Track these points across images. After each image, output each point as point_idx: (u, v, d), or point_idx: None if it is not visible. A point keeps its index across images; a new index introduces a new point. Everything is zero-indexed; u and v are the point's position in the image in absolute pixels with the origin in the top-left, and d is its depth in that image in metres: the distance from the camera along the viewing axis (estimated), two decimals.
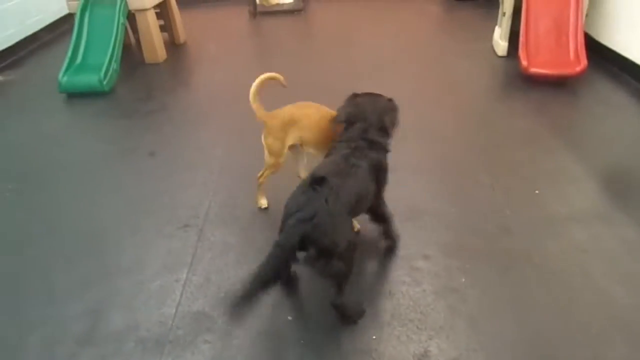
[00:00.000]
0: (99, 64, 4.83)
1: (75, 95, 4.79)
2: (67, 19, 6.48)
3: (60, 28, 6.77)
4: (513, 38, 5.07)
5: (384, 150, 2.57)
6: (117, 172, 3.67)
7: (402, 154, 3.64)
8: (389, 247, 2.73)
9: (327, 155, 2.54)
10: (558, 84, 4.58)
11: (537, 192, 3.16)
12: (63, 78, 4.76)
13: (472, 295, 2.42)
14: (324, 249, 2.04)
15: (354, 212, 2.35)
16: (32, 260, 2.80)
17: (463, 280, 2.51)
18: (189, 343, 2.24)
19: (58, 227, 3.07)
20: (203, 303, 2.44)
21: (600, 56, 4.96)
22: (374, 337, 2.20)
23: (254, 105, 2.94)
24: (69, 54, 4.96)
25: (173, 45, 6.13)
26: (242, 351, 2.19)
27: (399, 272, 2.56)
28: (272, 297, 2.42)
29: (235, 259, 2.71)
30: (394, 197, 3.15)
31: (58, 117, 4.56)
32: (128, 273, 2.65)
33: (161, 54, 5.62)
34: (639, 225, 2.84)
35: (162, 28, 5.83)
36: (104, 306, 2.46)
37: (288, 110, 2.92)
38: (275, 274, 2.01)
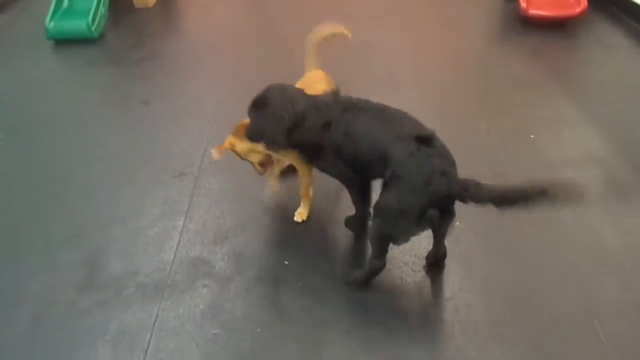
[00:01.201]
0: (87, 9, 4.65)
1: (63, 42, 4.65)
2: None
3: None
4: None
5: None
6: (110, 121, 3.62)
7: (394, 101, 3.60)
8: None
9: None
10: (557, 27, 4.48)
11: (532, 137, 3.16)
12: (50, 24, 4.61)
13: (466, 239, 2.46)
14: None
15: None
16: (27, 211, 2.80)
17: (457, 224, 2.53)
18: (188, 287, 2.28)
19: (51, 177, 3.05)
20: (200, 249, 2.47)
21: None
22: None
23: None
24: None
25: None
26: (239, 295, 2.24)
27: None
28: (268, 242, 2.45)
29: (231, 206, 2.72)
30: None
31: (46, 65, 4.44)
32: (125, 221, 2.67)
33: None
34: (634, 169, 2.85)
35: None
36: (102, 253, 2.48)
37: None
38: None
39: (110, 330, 2.10)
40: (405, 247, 2.41)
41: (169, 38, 4.85)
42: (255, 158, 2.51)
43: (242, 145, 2.43)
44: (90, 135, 3.45)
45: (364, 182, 2.30)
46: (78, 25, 4.59)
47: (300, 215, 2.59)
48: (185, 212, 2.69)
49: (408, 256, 2.38)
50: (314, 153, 2.26)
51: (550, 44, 4.30)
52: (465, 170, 2.87)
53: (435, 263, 2.31)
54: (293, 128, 2.15)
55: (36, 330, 2.12)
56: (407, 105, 3.49)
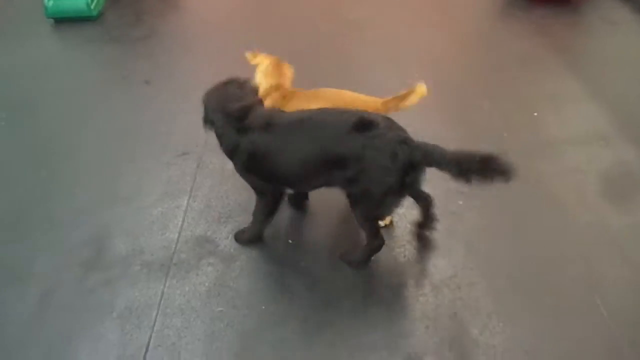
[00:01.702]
0: None
1: (63, 21, 4.60)
2: None
3: None
4: None
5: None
6: (112, 100, 3.60)
7: (396, 80, 3.58)
8: None
9: None
10: (561, 3, 4.42)
11: (535, 114, 3.14)
12: (49, 2, 4.55)
13: (469, 218, 2.48)
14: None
15: None
16: (31, 190, 2.81)
17: (460, 202, 2.55)
18: (193, 266, 2.31)
19: (54, 157, 3.06)
20: (205, 228, 2.49)
21: None
22: (372, 259, 2.27)
23: None
24: None
25: None
26: (244, 273, 2.27)
27: None
28: (272, 222, 2.47)
29: (234, 186, 2.73)
30: None
31: (47, 44, 4.41)
32: (129, 200, 2.68)
33: None
34: (637, 147, 2.85)
35: None
36: (108, 233, 2.50)
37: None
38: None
39: (117, 308, 2.14)
40: (407, 226, 2.44)
41: (169, 16, 4.80)
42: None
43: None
44: (92, 114, 3.44)
45: (277, 195, 2.28)
46: (77, 3, 4.54)
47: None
48: (189, 192, 2.70)
49: (411, 235, 2.39)
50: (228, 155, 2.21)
51: (554, 20, 4.25)
52: (468, 148, 2.89)
53: (426, 224, 2.35)
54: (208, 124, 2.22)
55: (45, 308, 2.16)
56: (408, 83, 3.49)
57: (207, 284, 2.22)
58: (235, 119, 2.07)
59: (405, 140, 1.93)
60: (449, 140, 2.94)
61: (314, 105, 2.24)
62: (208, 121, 2.20)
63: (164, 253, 2.38)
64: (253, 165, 2.10)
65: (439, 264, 2.26)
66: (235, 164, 2.18)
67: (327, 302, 2.13)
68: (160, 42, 4.28)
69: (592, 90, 3.34)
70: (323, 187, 2.19)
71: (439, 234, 2.39)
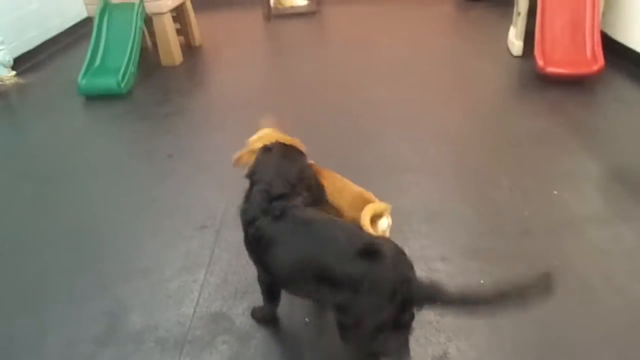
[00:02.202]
0: (117, 67, 4.89)
1: (94, 98, 4.85)
2: (86, 22, 6.57)
3: (79, 31, 6.85)
4: (528, 38, 5.02)
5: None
6: (136, 173, 3.71)
7: (414, 155, 3.64)
8: None
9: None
10: (575, 83, 4.53)
11: (555, 192, 3.13)
12: (82, 80, 4.83)
13: None
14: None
15: None
16: (52, 261, 2.83)
17: (482, 281, 2.49)
18: (207, 343, 2.25)
19: (78, 228, 3.11)
20: (221, 304, 2.46)
21: (617, 55, 4.88)
22: None
23: None
24: (88, 56, 5.02)
25: (189, 48, 6.17)
26: (259, 352, 2.20)
27: (418, 274, 2.54)
28: (289, 298, 2.42)
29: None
30: (409, 197, 3.16)
31: (77, 119, 4.62)
32: (147, 274, 2.68)
33: (177, 56, 5.67)
34: None
35: (179, 31, 5.88)
36: (124, 307, 2.48)
37: None
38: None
39: None
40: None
41: (195, 94, 5.03)
42: None
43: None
44: (116, 187, 3.53)
45: (275, 286, 2.18)
46: (109, 82, 4.80)
47: None
48: (206, 266, 2.70)
49: (431, 315, 2.32)
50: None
51: (569, 99, 4.33)
52: (489, 227, 2.88)
53: None
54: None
55: None
56: (426, 161, 3.56)
57: None
58: (271, 197, 1.96)
59: (409, 280, 1.74)
60: (468, 217, 2.96)
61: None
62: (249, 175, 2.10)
63: (178, 329, 2.33)
64: (255, 249, 2.02)
65: (461, 346, 2.17)
66: (243, 235, 2.10)
67: None
68: (184, 119, 4.45)
69: (610, 168, 3.33)
70: (311, 300, 2.11)
71: (460, 314, 2.32)
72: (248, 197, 2.04)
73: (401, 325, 1.78)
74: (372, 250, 1.75)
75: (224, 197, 3.26)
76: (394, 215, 2.98)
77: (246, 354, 2.19)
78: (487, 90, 4.72)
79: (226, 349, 2.22)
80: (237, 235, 2.87)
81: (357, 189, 2.34)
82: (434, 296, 1.72)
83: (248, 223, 2.00)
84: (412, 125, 4.07)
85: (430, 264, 2.62)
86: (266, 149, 2.16)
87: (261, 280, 2.19)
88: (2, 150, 4.16)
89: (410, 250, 2.70)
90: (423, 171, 3.41)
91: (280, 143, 2.18)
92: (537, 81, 4.64)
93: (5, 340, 2.34)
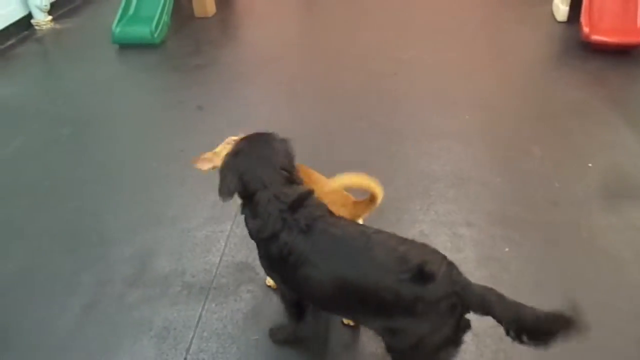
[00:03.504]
0: (151, 16, 4.86)
1: (127, 46, 4.86)
2: None
3: None
4: (575, 2, 4.79)
5: None
6: (166, 123, 3.75)
7: (449, 120, 3.58)
8: None
9: None
10: (620, 54, 4.34)
11: (590, 165, 3.05)
12: (116, 29, 4.83)
13: (515, 266, 2.40)
14: None
15: None
16: (85, 204, 2.92)
17: (506, 249, 2.48)
18: (232, 291, 2.32)
19: (109, 173, 3.18)
20: (246, 254, 2.51)
21: None
22: None
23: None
24: (122, 4, 5.00)
25: (222, 0, 6.09)
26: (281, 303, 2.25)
27: (442, 238, 2.55)
28: None
29: None
30: (439, 162, 3.13)
31: (111, 67, 4.65)
32: (175, 221, 2.74)
33: (210, 8, 5.60)
34: None
35: None
36: (152, 251, 2.56)
37: None
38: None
39: (155, 326, 2.16)
40: None
41: (227, 47, 4.99)
42: None
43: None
44: (146, 135, 3.59)
45: (301, 303, 1.95)
46: (142, 31, 4.80)
47: None
48: (233, 217, 2.74)
49: None
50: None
51: (612, 70, 4.16)
52: (517, 196, 2.84)
53: None
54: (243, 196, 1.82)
55: (86, 319, 2.21)
56: (458, 127, 3.49)
57: (244, 311, 2.22)
58: (288, 206, 1.70)
59: (464, 291, 1.58)
60: (497, 186, 2.92)
61: None
62: (238, 188, 1.80)
63: (204, 276, 2.40)
64: (279, 266, 1.75)
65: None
66: (259, 251, 1.83)
67: (366, 339, 2.08)
68: (216, 71, 4.44)
69: None
70: (352, 319, 1.97)
71: (482, 280, 2.31)
72: (255, 209, 1.74)
73: (460, 336, 1.64)
74: (426, 273, 1.56)
75: None
76: (422, 179, 2.98)
77: (269, 304, 2.24)
78: (526, 57, 4.56)
79: (250, 297, 2.28)
80: None
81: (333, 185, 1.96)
82: (487, 306, 1.57)
83: (268, 240, 1.72)
84: (446, 90, 3.98)
85: (455, 229, 2.61)
86: (242, 139, 1.91)
87: (286, 299, 1.96)
88: (40, 94, 4.24)
89: (436, 214, 2.71)
90: (454, 137, 3.35)
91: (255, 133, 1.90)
92: (580, 50, 4.46)
93: (43, 277, 2.45)
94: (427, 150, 3.25)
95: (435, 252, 1.64)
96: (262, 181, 1.73)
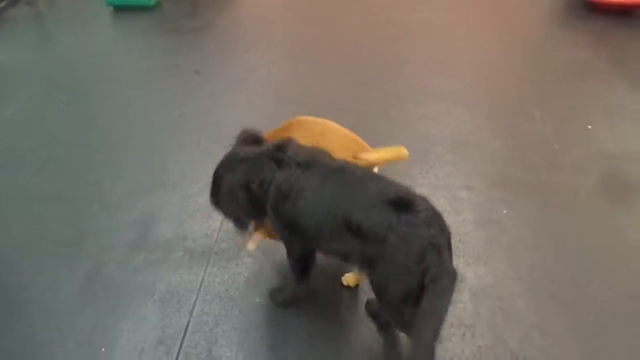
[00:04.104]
0: None
1: (122, 10, 4.77)
2: None
3: None
4: None
5: None
6: (164, 88, 3.71)
7: (447, 84, 3.54)
8: None
9: None
10: (624, 14, 4.26)
11: (589, 127, 3.04)
12: None
13: (513, 227, 2.42)
14: None
15: None
16: (85, 171, 2.92)
17: (505, 211, 2.50)
18: (233, 256, 2.35)
19: (107, 139, 3.17)
20: None
21: None
22: None
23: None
24: None
25: None
26: (283, 266, 2.28)
27: (441, 201, 2.56)
28: None
29: None
30: (439, 127, 3.12)
31: (106, 30, 4.58)
32: (175, 187, 2.75)
33: None
34: None
35: None
36: (153, 217, 2.58)
37: None
38: None
39: (158, 290, 2.20)
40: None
41: (224, 9, 4.89)
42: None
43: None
44: (144, 101, 3.56)
45: (306, 253, 1.94)
46: None
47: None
48: None
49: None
50: (260, 215, 1.87)
51: (615, 30, 4.10)
52: (516, 158, 2.84)
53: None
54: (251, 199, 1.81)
55: (92, 284, 2.25)
56: (459, 90, 3.46)
57: (246, 275, 2.26)
58: (276, 150, 1.78)
59: (439, 246, 1.53)
60: (496, 148, 2.92)
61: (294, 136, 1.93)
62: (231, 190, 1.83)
63: (206, 241, 2.43)
64: (282, 207, 1.75)
65: (479, 271, 2.22)
66: (268, 215, 1.84)
67: (361, 305, 2.13)
68: (213, 35, 4.37)
69: None
70: (340, 257, 1.88)
71: (481, 241, 2.36)
72: (261, 180, 1.77)
73: (421, 293, 1.53)
74: (404, 201, 1.57)
75: (252, 117, 3.25)
76: (421, 143, 2.98)
77: (270, 267, 2.28)
78: (528, 18, 4.48)
79: (251, 262, 2.31)
80: None
81: (341, 130, 2.05)
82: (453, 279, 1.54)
83: (266, 185, 1.76)
84: (448, 53, 3.92)
85: (454, 192, 2.62)
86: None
87: (292, 253, 1.96)
88: (35, 60, 4.18)
89: (435, 178, 2.72)
90: (455, 100, 3.33)
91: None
92: (583, 10, 4.38)
93: (46, 245, 2.47)
94: (427, 114, 3.23)
95: (426, 200, 1.62)
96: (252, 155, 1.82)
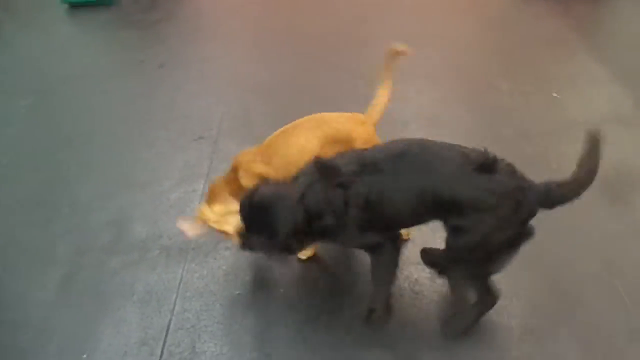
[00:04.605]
0: None
1: (78, 6, 4.62)
2: None
3: None
4: None
5: None
6: (128, 84, 3.62)
7: (417, 62, 3.52)
8: None
9: None
10: None
11: (556, 95, 3.08)
12: None
13: None
14: None
15: None
16: (52, 174, 2.85)
17: None
18: (211, 250, 2.32)
19: (74, 141, 3.09)
20: None
21: None
22: None
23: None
24: None
25: None
26: (262, 257, 2.26)
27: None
28: None
29: None
30: (413, 105, 3.12)
31: (63, 30, 4.44)
32: (147, 185, 2.70)
33: None
34: None
35: None
36: (127, 217, 2.53)
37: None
38: None
39: (137, 292, 2.16)
40: None
41: (184, 0, 4.78)
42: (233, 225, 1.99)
43: (215, 212, 2.03)
44: (108, 98, 3.47)
45: (397, 239, 1.88)
46: None
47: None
48: (205, 176, 2.71)
49: None
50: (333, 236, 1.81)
51: (579, 2, 4.14)
52: (487, 131, 2.86)
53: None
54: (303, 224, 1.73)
55: (67, 290, 2.19)
56: (428, 63, 3.45)
57: (224, 268, 2.23)
58: (330, 174, 1.71)
59: (529, 188, 1.67)
60: (468, 124, 2.94)
61: (293, 141, 2.01)
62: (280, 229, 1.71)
63: (182, 237, 2.37)
64: (370, 214, 1.71)
65: None
66: (345, 229, 1.75)
67: (344, 288, 2.13)
68: (175, 27, 4.28)
69: (614, 72, 3.26)
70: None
71: None
72: (327, 198, 1.71)
73: (521, 241, 1.71)
74: (489, 162, 1.65)
75: (220, 108, 3.21)
76: (395, 123, 2.97)
77: (248, 259, 2.26)
78: None
79: (229, 254, 2.29)
80: (234, 145, 2.90)
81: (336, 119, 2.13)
82: (551, 198, 1.69)
83: (340, 210, 1.71)
84: (415, 30, 3.91)
85: None
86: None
87: (384, 248, 1.85)
88: None
89: None
90: (425, 78, 3.33)
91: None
92: None
93: (19, 252, 2.41)
94: (399, 93, 3.18)
95: (495, 156, 1.69)
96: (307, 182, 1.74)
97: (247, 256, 2.26)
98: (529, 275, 2.10)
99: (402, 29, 3.95)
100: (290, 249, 1.82)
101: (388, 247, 1.85)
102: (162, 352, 1.93)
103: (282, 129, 2.09)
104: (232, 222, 1.98)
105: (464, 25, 3.97)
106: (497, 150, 2.64)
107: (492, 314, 1.92)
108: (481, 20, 4.07)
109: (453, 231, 1.73)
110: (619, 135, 2.74)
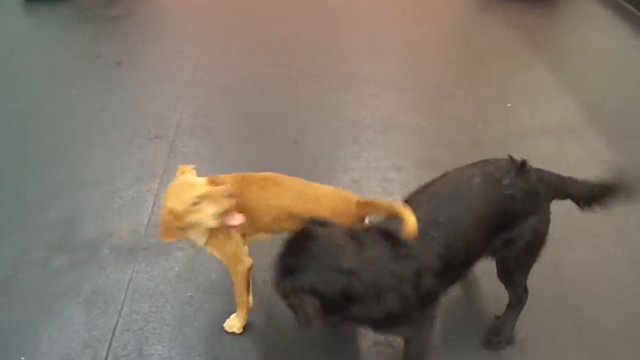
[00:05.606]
0: None
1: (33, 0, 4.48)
2: None
3: None
4: None
5: None
6: (83, 81, 3.52)
7: (375, 67, 3.59)
8: None
9: None
10: None
11: (509, 105, 3.17)
12: None
13: None
14: None
15: None
16: (0, 170, 2.74)
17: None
18: (162, 251, 2.27)
19: (23, 136, 2.99)
20: None
21: None
22: None
23: None
24: None
25: None
26: (215, 258, 2.21)
27: (372, 183, 2.60)
28: None
29: (208, 170, 2.65)
30: (368, 110, 3.15)
31: (17, 21, 4.29)
32: (99, 183, 2.63)
33: None
34: (607, 137, 2.89)
35: None
36: (76, 215, 2.45)
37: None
38: None
39: (83, 292, 2.09)
40: None
41: None
42: (203, 224, 1.71)
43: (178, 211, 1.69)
44: (62, 95, 3.36)
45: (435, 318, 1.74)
46: None
47: (231, 327, 1.95)
48: (160, 176, 2.66)
49: None
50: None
51: (530, 13, 4.29)
52: (442, 138, 2.92)
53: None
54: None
55: (7, 291, 2.11)
56: (386, 74, 3.50)
57: (176, 269, 2.19)
58: (398, 247, 1.55)
59: (549, 178, 1.79)
60: (424, 129, 2.99)
61: (272, 192, 1.77)
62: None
63: (133, 237, 2.34)
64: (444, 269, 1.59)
65: None
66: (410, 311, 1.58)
67: None
68: (134, 23, 4.19)
69: (563, 82, 3.38)
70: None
71: None
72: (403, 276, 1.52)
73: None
74: (522, 164, 1.72)
75: (179, 108, 3.16)
76: (352, 127, 2.99)
77: (201, 260, 2.22)
78: (450, 0, 4.60)
79: (181, 255, 2.25)
80: (192, 145, 2.87)
81: (329, 190, 1.84)
82: (567, 189, 1.81)
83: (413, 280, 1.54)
84: (373, 36, 3.97)
85: (385, 173, 2.66)
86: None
87: (424, 333, 1.73)
88: None
89: (366, 161, 2.76)
90: (382, 83, 3.37)
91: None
92: None
93: None
94: (356, 97, 3.26)
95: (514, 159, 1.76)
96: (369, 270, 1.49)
97: (201, 257, 2.23)
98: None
99: (360, 32, 4.02)
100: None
101: (430, 323, 1.72)
102: (107, 354, 1.87)
103: (262, 175, 1.84)
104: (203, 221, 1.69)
105: (419, 32, 4.06)
106: (450, 156, 2.75)
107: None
108: (437, 27, 4.16)
109: (505, 245, 1.72)
110: (568, 144, 2.85)
